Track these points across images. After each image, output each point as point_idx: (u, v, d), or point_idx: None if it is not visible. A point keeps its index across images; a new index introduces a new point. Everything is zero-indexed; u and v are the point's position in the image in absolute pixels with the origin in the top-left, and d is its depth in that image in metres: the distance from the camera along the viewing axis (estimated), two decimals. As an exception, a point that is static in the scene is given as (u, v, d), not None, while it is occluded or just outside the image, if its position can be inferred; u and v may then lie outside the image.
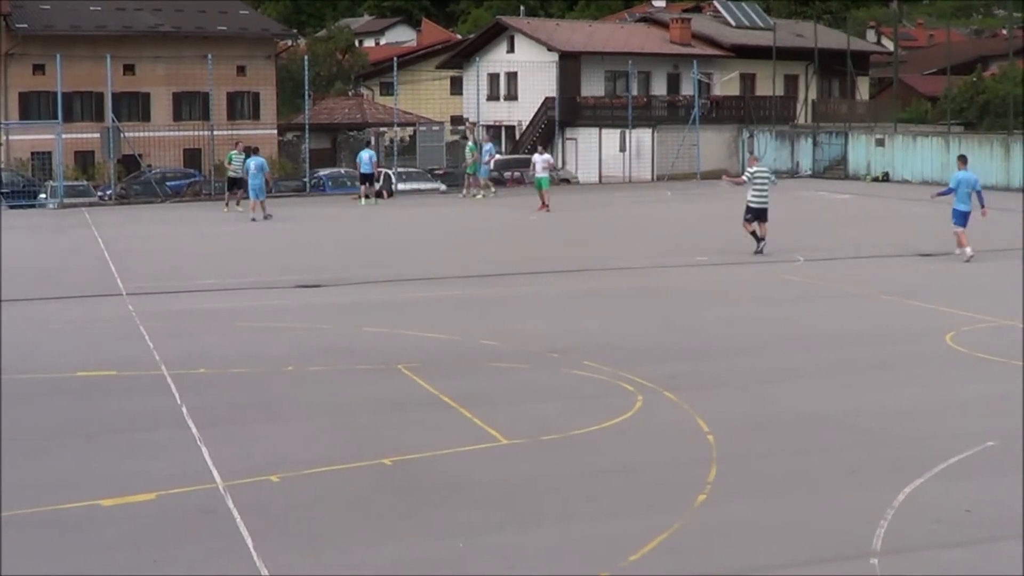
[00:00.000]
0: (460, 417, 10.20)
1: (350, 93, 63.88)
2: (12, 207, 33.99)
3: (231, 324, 14.86)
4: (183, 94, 48.73)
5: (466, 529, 7.48)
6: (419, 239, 25.14)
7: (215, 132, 38.69)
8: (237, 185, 31.49)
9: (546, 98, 49.78)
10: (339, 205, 34.09)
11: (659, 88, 52.99)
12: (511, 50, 53.93)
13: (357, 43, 75.89)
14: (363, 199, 33.85)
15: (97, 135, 38.82)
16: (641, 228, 27.28)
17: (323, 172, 43.02)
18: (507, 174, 42.65)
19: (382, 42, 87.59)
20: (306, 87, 40.66)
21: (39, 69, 45.84)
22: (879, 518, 7.57)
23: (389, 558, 7.04)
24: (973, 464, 8.79)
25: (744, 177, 22.13)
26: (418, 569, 6.91)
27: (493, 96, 53.80)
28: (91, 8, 49.95)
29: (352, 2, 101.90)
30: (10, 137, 43.35)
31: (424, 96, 56.62)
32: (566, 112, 49.21)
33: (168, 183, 40.53)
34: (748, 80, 54.93)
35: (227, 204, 32.05)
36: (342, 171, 43.78)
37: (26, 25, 47.23)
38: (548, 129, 49.66)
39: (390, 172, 38.37)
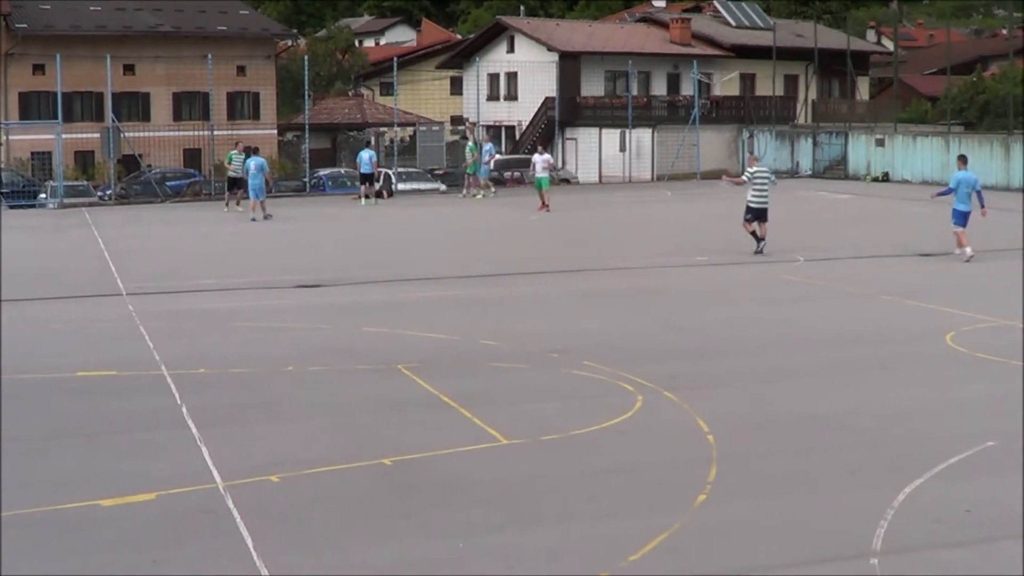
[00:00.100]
0: (460, 417, 10.20)
1: (350, 93, 63.88)
2: (12, 207, 33.99)
3: (231, 324, 14.86)
4: (183, 94, 48.74)
5: (466, 529, 7.48)
6: (419, 239, 25.15)
7: (215, 132, 38.70)
8: (237, 185, 31.49)
9: (546, 98, 49.79)
10: (339, 205, 34.09)
11: (659, 88, 53.00)
12: (511, 50, 53.94)
13: (357, 43, 75.90)
14: (363, 199, 33.86)
15: (97, 135, 38.83)
16: (641, 228, 27.28)
17: (323, 172, 43.03)
18: (507, 174, 42.67)
19: (382, 42, 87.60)
20: (306, 87, 40.67)
21: (39, 69, 45.85)
22: (879, 518, 7.57)
23: (389, 558, 7.04)
24: (973, 464, 8.79)
25: (744, 177, 22.14)
26: (418, 569, 6.91)
27: (493, 96, 53.81)
28: (91, 8, 49.96)
29: (352, 2, 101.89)
30: (10, 137, 43.36)
31: (424, 96, 56.63)
32: (566, 112, 49.22)
33: (168, 183, 40.53)
34: (748, 80, 54.94)
35: (227, 204, 32.05)
36: (342, 171, 43.79)
37: (26, 25, 47.23)
38: (548, 129, 49.67)
39: (390, 172, 38.37)
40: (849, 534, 7.33)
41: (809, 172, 43.74)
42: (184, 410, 10.45)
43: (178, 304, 16.53)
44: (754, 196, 21.40)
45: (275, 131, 51.64)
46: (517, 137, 52.48)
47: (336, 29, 72.64)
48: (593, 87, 51.58)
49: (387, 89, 57.01)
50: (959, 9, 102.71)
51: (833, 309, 15.95)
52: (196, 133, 43.22)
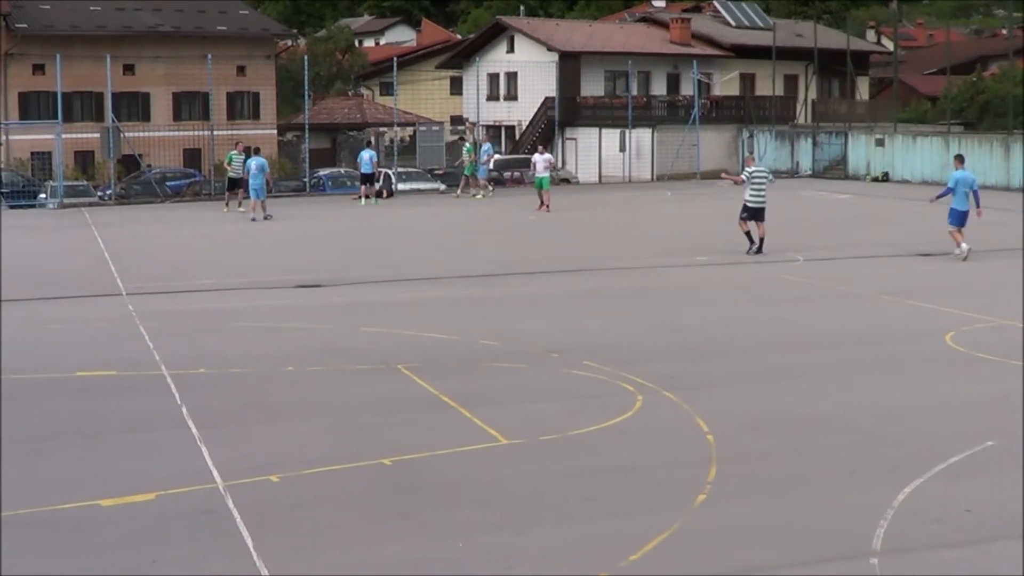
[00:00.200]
0: (459, 417, 10.20)
1: (350, 93, 63.90)
2: (12, 207, 33.97)
3: (231, 324, 14.86)
4: (183, 94, 48.72)
5: (465, 529, 7.48)
6: (419, 239, 25.14)
7: (215, 132, 38.69)
8: (237, 185, 31.48)
9: (546, 98, 49.79)
10: (339, 205, 34.09)
11: (659, 88, 53.00)
12: (511, 50, 53.94)
13: (357, 43, 75.91)
14: (363, 199, 33.86)
15: (97, 135, 38.81)
16: (641, 228, 27.27)
17: (323, 172, 43.04)
18: (507, 174, 42.67)
19: (382, 42, 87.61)
20: (306, 87, 40.65)
21: (39, 69, 45.84)
22: (879, 518, 7.57)
23: (388, 558, 7.04)
24: (973, 464, 8.79)
25: (743, 176, 22.15)
26: (417, 569, 6.91)
27: (493, 96, 53.81)
28: (91, 8, 49.95)
29: (352, 2, 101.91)
30: (10, 137, 43.36)
31: (424, 96, 56.65)
32: (566, 112, 49.22)
33: (168, 183, 40.50)
34: (748, 80, 54.93)
35: (227, 204, 32.04)
36: (342, 171, 43.80)
37: (26, 25, 47.21)
38: (548, 129, 49.67)
39: (390, 172, 38.38)
40: (849, 534, 7.33)
41: (809, 172, 43.73)
42: (184, 410, 10.45)
43: (178, 304, 16.52)
44: (752, 195, 21.43)
45: (275, 131, 51.64)
46: (517, 137, 52.49)
47: (336, 29, 72.66)
48: (593, 87, 51.57)
49: (387, 89, 57.04)
50: (959, 9, 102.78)
51: (833, 309, 15.95)
52: (196, 133, 43.21)
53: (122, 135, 37.03)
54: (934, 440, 9.41)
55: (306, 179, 40.18)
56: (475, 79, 45.52)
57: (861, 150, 42.30)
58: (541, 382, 11.61)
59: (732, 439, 9.45)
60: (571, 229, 26.83)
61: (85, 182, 40.16)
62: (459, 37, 72.24)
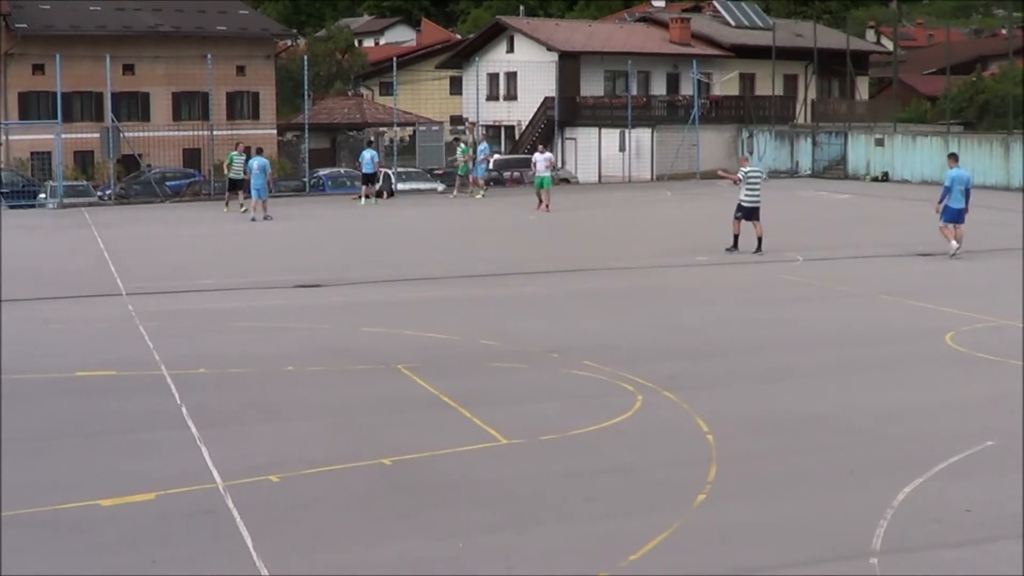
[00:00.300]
0: (459, 417, 10.20)
1: (350, 93, 63.90)
2: (12, 207, 33.98)
3: (231, 324, 14.86)
4: (183, 94, 48.72)
5: (465, 529, 7.48)
6: (419, 239, 25.14)
7: (215, 132, 38.70)
8: (238, 186, 31.46)
9: (546, 98, 49.79)
10: (339, 205, 34.09)
11: (659, 88, 53.00)
12: (511, 50, 53.94)
13: (357, 43, 75.93)
14: (363, 199, 33.86)
15: (97, 135, 38.83)
16: (641, 228, 27.27)
17: (323, 172, 43.04)
18: (507, 174, 42.66)
19: (382, 42, 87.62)
20: (306, 87, 40.66)
21: (39, 69, 45.83)
22: (879, 518, 7.56)
23: (388, 558, 7.04)
24: (972, 464, 8.79)
25: (739, 176, 22.17)
26: (417, 569, 6.90)
27: (492, 96, 53.81)
28: (91, 8, 49.95)
29: (352, 2, 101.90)
30: (10, 137, 43.34)
31: (424, 96, 56.64)
32: (566, 112, 49.22)
33: (168, 183, 40.53)
34: (748, 80, 54.93)
35: (227, 204, 32.03)
36: (342, 171, 43.80)
37: (26, 25, 47.21)
38: (547, 129, 49.69)
39: (390, 172, 38.38)
40: (849, 534, 7.33)
41: (809, 172, 43.74)
42: (184, 410, 10.45)
43: (178, 304, 16.52)
44: (747, 195, 21.49)
45: (275, 131, 51.64)
46: (516, 137, 52.50)
47: (336, 29, 72.69)
48: (593, 87, 51.58)
49: (387, 89, 57.05)
50: (959, 9, 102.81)
51: (833, 309, 15.94)
52: (196, 133, 43.22)
53: (122, 135, 37.04)
54: (934, 440, 9.41)
55: (306, 179, 40.19)
56: (475, 79, 45.52)
57: (861, 150, 42.31)
58: (541, 382, 11.61)
59: (732, 439, 9.45)
60: (571, 229, 26.83)
61: (85, 182, 40.17)
62: (459, 37, 72.25)
